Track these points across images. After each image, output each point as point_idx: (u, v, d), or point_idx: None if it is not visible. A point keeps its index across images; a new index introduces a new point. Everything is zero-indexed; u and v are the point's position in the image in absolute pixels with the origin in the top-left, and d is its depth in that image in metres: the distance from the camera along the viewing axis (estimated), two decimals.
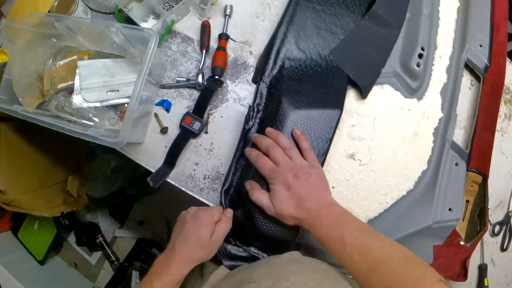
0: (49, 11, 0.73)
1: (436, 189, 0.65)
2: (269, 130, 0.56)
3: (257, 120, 0.61)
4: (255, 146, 0.57)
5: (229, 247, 0.59)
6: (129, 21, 0.71)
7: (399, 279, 0.41)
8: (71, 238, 1.27)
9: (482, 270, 0.72)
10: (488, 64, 0.76)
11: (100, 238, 1.23)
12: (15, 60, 0.65)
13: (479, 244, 0.72)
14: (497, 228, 0.75)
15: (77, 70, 0.69)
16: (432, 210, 0.64)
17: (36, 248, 1.15)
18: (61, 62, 0.71)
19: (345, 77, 0.64)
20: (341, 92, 0.62)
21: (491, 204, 0.75)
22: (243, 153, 0.60)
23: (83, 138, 0.58)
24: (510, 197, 0.77)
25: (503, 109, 0.78)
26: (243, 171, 0.60)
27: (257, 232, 0.55)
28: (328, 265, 0.50)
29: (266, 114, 0.61)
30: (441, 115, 0.70)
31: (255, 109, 0.61)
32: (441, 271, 0.67)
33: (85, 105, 0.68)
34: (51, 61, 0.72)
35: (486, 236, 0.74)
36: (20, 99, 0.65)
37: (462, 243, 0.68)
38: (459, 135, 0.73)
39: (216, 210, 0.55)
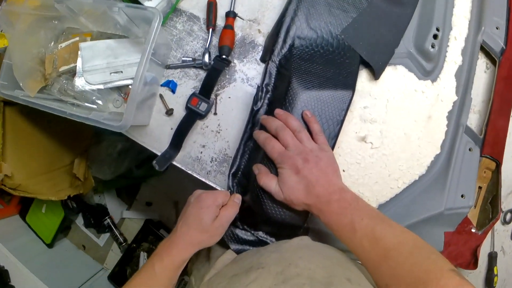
0: None
1: (449, 175, 0.62)
2: (278, 111, 0.52)
3: (266, 101, 0.58)
4: (264, 128, 0.53)
5: (237, 230, 0.56)
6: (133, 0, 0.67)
7: (410, 267, 0.38)
8: (79, 221, 1.25)
9: (492, 258, 0.69)
10: (504, 47, 0.71)
11: (108, 220, 1.21)
12: (15, 45, 0.62)
13: (489, 232, 0.69)
14: (508, 216, 0.71)
15: (79, 52, 0.65)
16: (445, 196, 0.61)
17: (44, 231, 1.14)
18: (63, 44, 0.67)
19: (358, 57, 0.60)
20: (353, 73, 0.58)
21: (504, 191, 0.71)
22: (251, 135, 0.57)
23: (86, 122, 0.55)
24: None
25: None
26: (251, 154, 0.57)
27: (266, 216, 0.52)
28: (338, 251, 0.47)
29: (275, 95, 0.57)
30: (455, 98, 0.65)
31: (264, 89, 0.58)
32: (451, 258, 0.64)
33: (88, 87, 0.64)
34: (52, 43, 0.68)
35: (497, 224, 0.70)
36: (21, 84, 0.62)
37: (473, 230, 0.65)
38: (473, 119, 0.69)
39: (221, 193, 0.52)
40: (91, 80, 0.64)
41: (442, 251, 0.63)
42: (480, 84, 0.71)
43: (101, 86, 0.65)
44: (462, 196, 0.62)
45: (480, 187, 0.68)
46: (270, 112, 0.56)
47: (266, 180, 0.49)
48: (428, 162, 0.62)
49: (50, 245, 1.15)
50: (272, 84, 0.58)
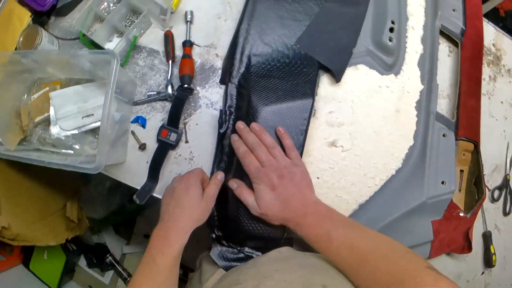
0: (16, 48, 0.72)
1: (426, 164, 0.63)
2: (253, 125, 0.55)
3: (231, 122, 0.60)
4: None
5: (224, 249, 0.58)
6: (94, 43, 0.70)
7: (387, 269, 0.40)
8: (82, 262, 1.27)
9: (487, 237, 0.70)
10: (464, 28, 0.72)
11: (110, 258, 1.22)
12: None
13: (479, 212, 0.70)
14: (496, 193, 0.72)
15: (50, 101, 0.68)
16: (424, 185, 0.62)
17: (49, 277, 1.16)
18: (35, 96, 0.70)
19: (316, 63, 0.62)
20: (311, 81, 0.60)
21: (487, 170, 0.72)
22: (222, 157, 0.59)
23: (63, 169, 0.58)
24: (506, 159, 0.74)
25: (486, 71, 0.75)
26: (225, 175, 0.59)
27: (245, 232, 0.54)
28: (318, 257, 0.49)
29: (238, 115, 0.59)
30: (421, 87, 0.67)
31: (227, 112, 0.60)
32: (444, 245, 0.65)
33: (63, 134, 0.67)
34: (26, 95, 0.71)
35: (486, 203, 0.71)
36: (0, 139, 0.65)
37: (461, 214, 0.66)
38: (444, 104, 0.71)
39: (198, 170, 0.56)
40: (65, 126, 0.67)
41: (433, 240, 0.64)
42: (445, 68, 0.72)
43: (75, 131, 0.67)
44: (442, 182, 0.64)
45: (461, 171, 0.69)
46: (235, 132, 0.58)
47: (244, 194, 0.52)
48: (403, 155, 0.64)
49: None
50: (234, 105, 0.60)
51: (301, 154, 0.56)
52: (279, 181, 0.49)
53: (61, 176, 1.03)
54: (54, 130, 0.67)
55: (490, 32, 0.77)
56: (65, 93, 0.68)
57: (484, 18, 0.75)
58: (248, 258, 0.58)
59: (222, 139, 0.59)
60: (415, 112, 0.66)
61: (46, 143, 0.69)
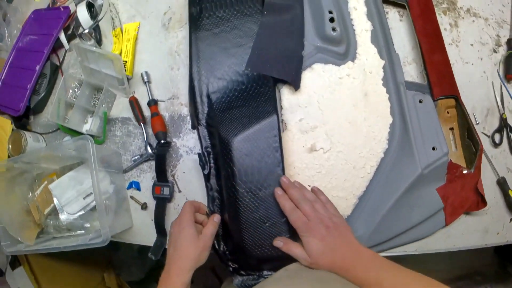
0: (8, 155, 0.79)
1: (411, 135, 0.64)
2: (296, 184, 0.59)
3: (212, 161, 0.63)
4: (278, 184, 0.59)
5: (244, 278, 0.61)
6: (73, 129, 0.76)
7: None
8: None
9: (502, 184, 0.69)
10: None
11: None
12: (0, 209, 0.72)
13: (486, 162, 0.69)
14: (497, 137, 0.71)
15: (52, 193, 0.75)
16: (416, 157, 0.63)
17: None
18: (38, 192, 0.77)
19: (270, 79, 0.64)
20: (270, 97, 0.63)
21: (479, 117, 0.71)
22: (213, 195, 0.63)
23: (77, 249, 0.63)
24: (496, 99, 0.73)
25: (445, 20, 0.75)
26: (221, 212, 0.63)
27: (256, 257, 0.58)
28: (321, 271, 0.52)
29: (215, 152, 0.63)
30: (382, 62, 0.68)
31: (205, 153, 0.63)
32: (458, 208, 0.65)
33: (71, 218, 0.73)
34: (30, 194, 0.78)
35: (490, 150, 0.70)
36: (19, 238, 0.72)
37: (465, 172, 0.65)
38: (412, 70, 0.71)
39: (188, 205, 0.59)
40: (71, 211, 0.73)
41: (444, 206, 0.64)
42: (402, 35, 0.73)
43: (82, 212, 0.74)
44: (433, 148, 0.64)
45: (451, 128, 0.69)
46: (218, 169, 0.62)
47: (292, 249, 0.55)
48: (386, 135, 0.65)
49: None
50: (210, 145, 0.64)
51: (282, 170, 0.59)
52: (327, 232, 0.53)
53: (91, 252, 1.10)
54: (63, 216, 0.74)
55: None
56: (62, 182, 0.75)
57: None
58: None
59: (208, 179, 0.63)
60: (384, 89, 0.66)
61: (61, 229, 0.75)
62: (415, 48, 0.71)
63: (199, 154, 0.63)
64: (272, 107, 0.62)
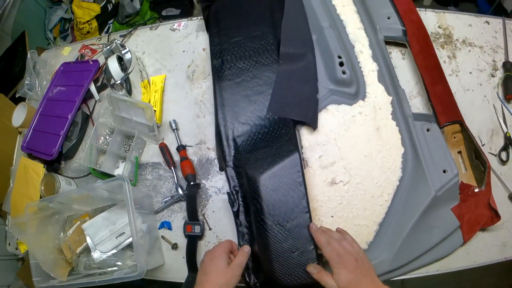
0: (40, 196, 0.87)
1: (422, 162, 0.71)
2: (322, 228, 0.65)
3: (240, 200, 0.71)
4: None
5: None
6: (105, 173, 0.84)
7: None
8: None
9: None
10: (404, 28, 0.82)
11: None
12: (33, 246, 0.78)
13: (496, 179, 0.76)
14: (503, 155, 0.78)
15: (84, 232, 0.82)
16: (429, 181, 0.70)
17: None
18: (70, 232, 0.84)
19: (290, 122, 0.73)
20: (291, 137, 0.71)
21: (485, 138, 0.79)
22: (243, 231, 0.70)
23: (112, 283, 0.68)
24: (499, 119, 0.80)
25: (443, 53, 0.84)
26: (250, 246, 0.69)
27: (286, 286, 0.64)
28: None
29: (244, 191, 0.71)
30: (390, 98, 0.76)
31: (233, 191, 0.71)
32: (474, 225, 0.71)
33: (104, 256, 0.80)
34: (62, 234, 0.85)
35: (498, 167, 0.77)
36: (52, 274, 0.77)
37: (476, 190, 0.72)
38: (418, 103, 0.79)
39: (226, 242, 0.65)
40: (103, 249, 0.80)
41: (460, 224, 0.70)
42: (405, 71, 0.82)
43: (114, 251, 0.80)
44: (444, 171, 0.71)
45: (459, 152, 0.77)
46: (246, 205, 0.70)
47: (324, 277, 0.61)
48: (399, 164, 0.72)
49: None
50: (237, 184, 0.72)
51: (307, 202, 0.66)
52: (356, 264, 0.60)
53: None
54: (96, 255, 0.80)
55: (431, 17, 0.87)
56: (95, 222, 0.82)
57: (417, 8, 0.84)
58: None
59: (237, 216, 0.71)
60: (394, 123, 0.75)
61: (92, 267, 0.82)
62: (418, 82, 0.80)
63: (228, 193, 0.71)
64: (293, 145, 0.70)
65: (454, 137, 0.77)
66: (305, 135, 0.74)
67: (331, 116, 0.75)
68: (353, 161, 0.72)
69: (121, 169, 0.85)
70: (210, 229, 0.75)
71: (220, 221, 0.75)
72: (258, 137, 0.73)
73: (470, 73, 0.83)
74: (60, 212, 0.85)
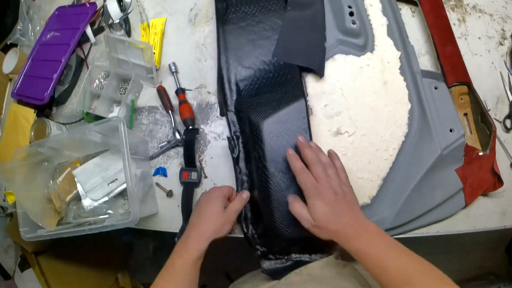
0: (30, 142, 0.83)
1: (429, 119, 0.70)
2: (311, 143, 0.60)
3: (241, 145, 0.69)
4: (295, 148, 0.60)
5: (272, 262, 0.65)
6: (98, 119, 0.81)
7: None
8: None
9: None
10: None
11: None
12: (21, 195, 0.75)
13: (499, 146, 0.76)
14: (508, 122, 0.78)
15: (75, 179, 0.78)
16: (435, 139, 0.69)
17: None
18: (60, 179, 0.80)
19: (296, 68, 0.71)
20: (297, 83, 0.69)
21: (490, 104, 0.78)
22: (242, 179, 0.68)
23: (104, 230, 0.65)
24: (505, 87, 0.80)
25: (453, 16, 0.83)
26: (250, 193, 0.68)
27: (286, 238, 0.62)
28: (350, 278, 0.55)
29: (245, 137, 0.68)
30: (398, 53, 0.75)
31: (234, 137, 0.69)
32: (476, 189, 0.71)
33: (95, 204, 0.77)
34: (51, 182, 0.82)
35: (502, 134, 0.77)
36: (40, 224, 0.74)
37: (480, 153, 0.71)
38: (426, 61, 0.78)
39: (225, 187, 0.64)
40: (95, 197, 0.77)
41: (463, 186, 0.70)
42: (414, 28, 0.80)
43: (106, 198, 0.77)
44: (451, 130, 0.70)
45: (465, 114, 0.76)
46: (247, 152, 0.67)
47: (299, 207, 0.56)
48: (405, 120, 0.71)
49: None
50: (238, 129, 0.69)
51: None
52: (335, 197, 0.54)
53: (105, 254, 1.12)
54: (86, 202, 0.77)
55: None
56: (87, 168, 0.79)
57: None
58: (297, 263, 0.64)
59: (237, 163, 0.68)
60: (402, 78, 0.73)
61: (82, 217, 0.78)
62: (427, 41, 0.79)
63: (228, 138, 0.69)
64: (300, 91, 0.68)
65: (461, 99, 0.76)
66: (310, 83, 0.72)
67: (338, 66, 0.73)
68: (359, 113, 0.70)
69: (115, 113, 0.82)
70: (206, 177, 0.72)
71: (218, 168, 0.72)
72: (262, 82, 0.71)
73: (479, 38, 0.83)
74: (50, 160, 0.82)
